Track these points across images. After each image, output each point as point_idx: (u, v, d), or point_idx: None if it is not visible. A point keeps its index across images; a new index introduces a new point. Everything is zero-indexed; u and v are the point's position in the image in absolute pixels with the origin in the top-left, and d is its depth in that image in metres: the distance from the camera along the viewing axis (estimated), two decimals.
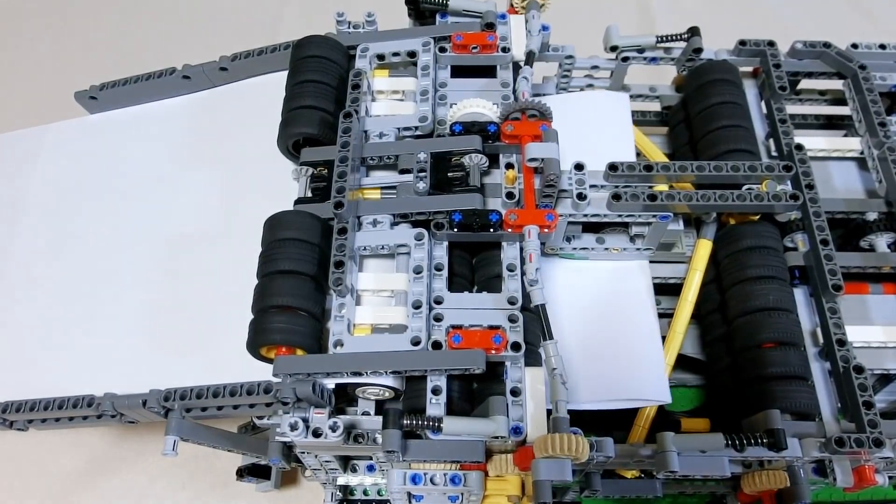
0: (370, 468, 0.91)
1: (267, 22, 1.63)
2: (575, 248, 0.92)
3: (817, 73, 1.03)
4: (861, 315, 0.90)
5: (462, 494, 0.79)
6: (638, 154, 1.00)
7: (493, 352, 0.75)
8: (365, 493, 1.00)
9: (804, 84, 1.08)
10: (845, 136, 1.07)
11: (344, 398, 0.83)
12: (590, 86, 1.07)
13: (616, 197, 0.83)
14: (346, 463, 0.90)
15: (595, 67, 1.05)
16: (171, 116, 1.03)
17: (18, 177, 1.05)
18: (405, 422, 0.71)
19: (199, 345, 0.87)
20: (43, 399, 0.85)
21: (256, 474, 1.00)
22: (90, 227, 0.98)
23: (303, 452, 0.80)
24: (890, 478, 0.84)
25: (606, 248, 0.92)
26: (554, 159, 0.80)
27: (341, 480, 0.95)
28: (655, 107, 1.11)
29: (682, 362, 0.96)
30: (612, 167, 0.85)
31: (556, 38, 1.04)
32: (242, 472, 1.00)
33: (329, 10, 1.00)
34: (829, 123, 1.11)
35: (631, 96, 1.08)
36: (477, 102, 0.87)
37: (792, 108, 1.12)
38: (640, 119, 1.11)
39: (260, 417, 0.87)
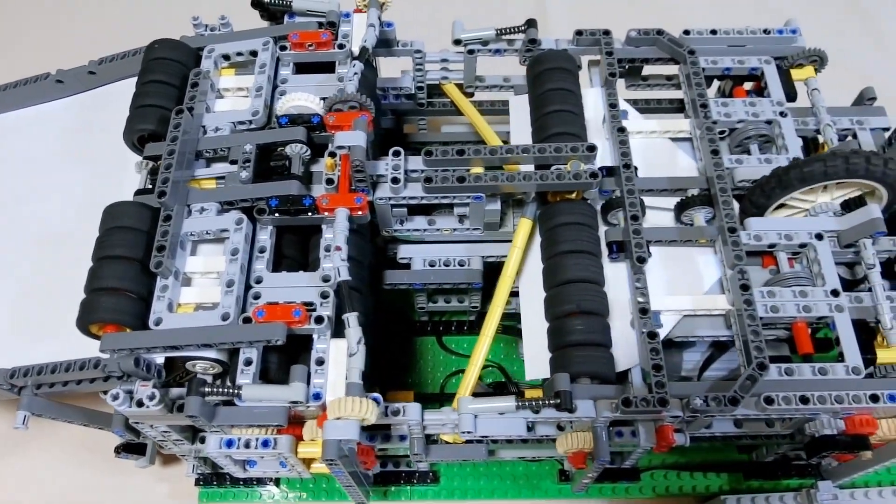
0: None
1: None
2: (409, 230, 0.98)
3: (653, 59, 1.08)
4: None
5: (285, 458, 0.85)
6: None
7: (298, 325, 0.81)
8: None
9: (654, 70, 1.13)
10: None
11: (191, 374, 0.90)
12: (445, 78, 1.13)
13: (428, 180, 0.89)
14: (195, 434, 0.97)
15: (445, 61, 1.10)
16: (47, 120, 1.10)
17: None
18: (206, 389, 0.78)
19: (59, 329, 0.93)
20: None
21: (132, 451, 1.06)
22: None
23: (137, 423, 0.87)
24: (692, 438, 0.89)
25: (438, 230, 0.98)
26: (359, 146, 0.86)
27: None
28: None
29: None
30: (428, 153, 0.91)
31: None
32: (119, 450, 1.06)
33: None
34: (683, 107, 1.16)
35: (487, 87, 1.15)
36: (301, 96, 0.93)
37: (648, 94, 1.18)
38: (501, 108, 1.17)
39: (105, 392, 0.94)
